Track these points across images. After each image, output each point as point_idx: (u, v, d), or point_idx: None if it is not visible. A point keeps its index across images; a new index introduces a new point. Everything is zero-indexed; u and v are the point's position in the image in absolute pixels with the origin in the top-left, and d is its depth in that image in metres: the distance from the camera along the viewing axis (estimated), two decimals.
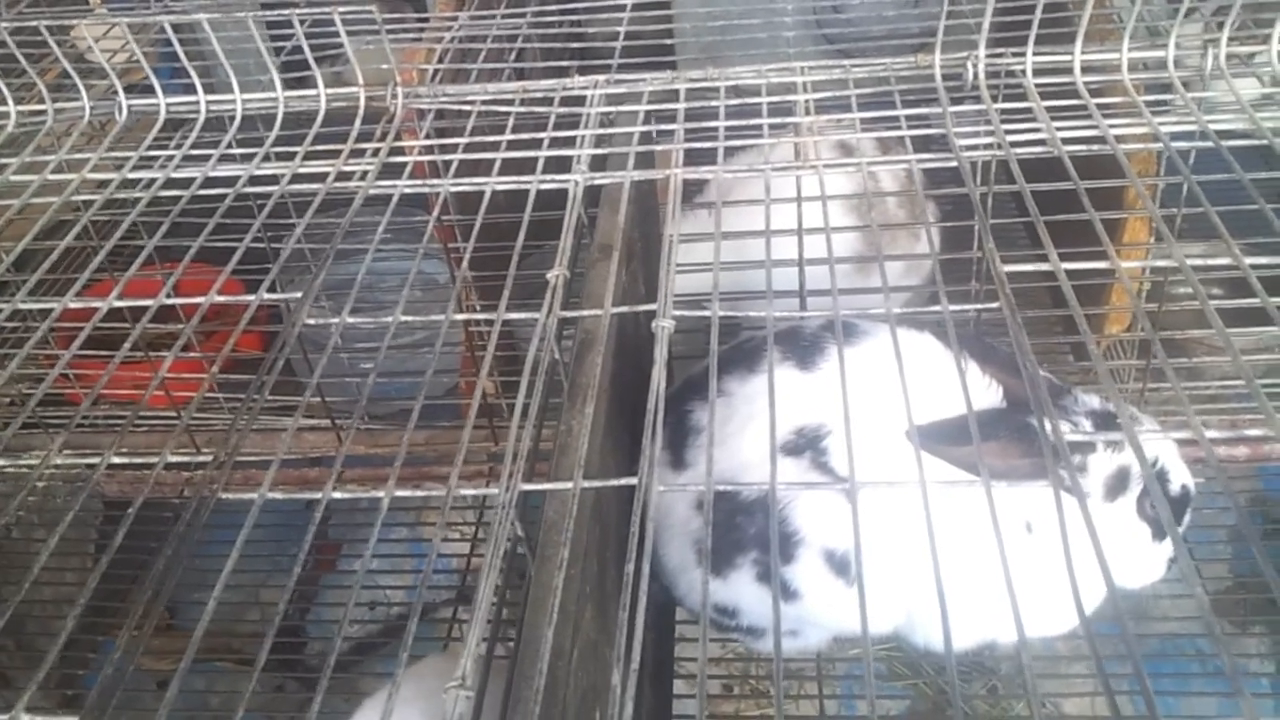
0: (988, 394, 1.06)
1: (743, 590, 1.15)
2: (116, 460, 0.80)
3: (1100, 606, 0.76)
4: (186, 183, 1.10)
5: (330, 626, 1.50)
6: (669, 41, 1.51)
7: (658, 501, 1.16)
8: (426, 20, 1.55)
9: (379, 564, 1.76)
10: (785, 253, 1.01)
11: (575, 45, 1.62)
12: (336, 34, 1.17)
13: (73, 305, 0.96)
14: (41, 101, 1.24)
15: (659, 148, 1.08)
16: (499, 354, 1.51)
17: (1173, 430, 1.08)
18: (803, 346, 1.12)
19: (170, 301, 0.94)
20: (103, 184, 1.12)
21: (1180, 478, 1.10)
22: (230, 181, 1.09)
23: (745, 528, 1.11)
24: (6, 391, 1.53)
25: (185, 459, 1.38)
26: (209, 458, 0.80)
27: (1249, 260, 0.84)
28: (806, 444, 1.07)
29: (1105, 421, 1.07)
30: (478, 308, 1.40)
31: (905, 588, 1.08)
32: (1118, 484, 1.06)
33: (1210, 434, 0.71)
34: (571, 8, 1.57)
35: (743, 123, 1.11)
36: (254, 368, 0.92)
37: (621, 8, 1.49)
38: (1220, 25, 1.13)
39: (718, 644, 1.61)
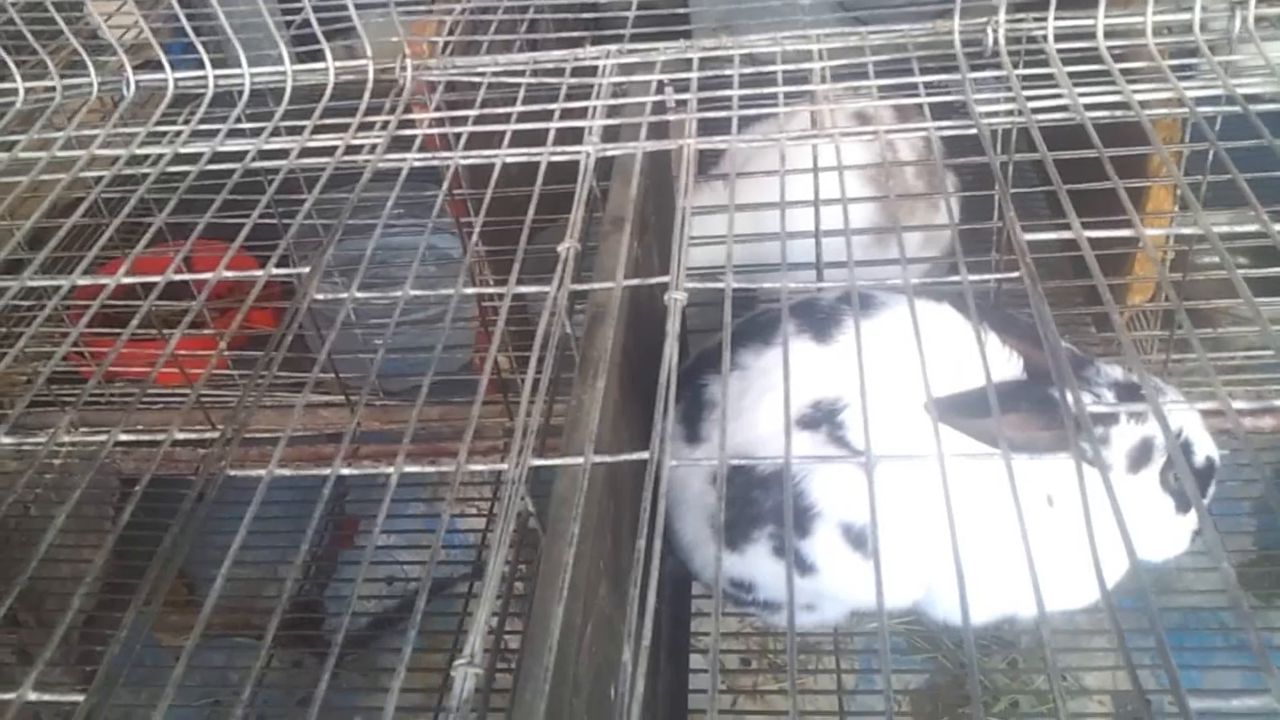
0: (1008, 365, 1.05)
1: (759, 564, 1.14)
2: (127, 437, 0.79)
3: (1123, 580, 0.74)
4: (195, 158, 1.09)
5: (348, 602, 1.51)
6: (683, 10, 1.49)
7: (672, 476, 1.16)
8: None
9: (396, 539, 1.76)
10: (803, 224, 0.99)
11: (588, 16, 1.60)
12: (347, 7, 1.15)
13: (82, 282, 0.96)
14: (51, 78, 1.23)
15: (672, 118, 1.06)
16: (513, 329, 1.51)
17: (1197, 401, 1.06)
18: (819, 319, 1.10)
19: (178, 278, 0.94)
20: (113, 160, 1.12)
21: (1205, 449, 1.08)
22: (239, 156, 1.08)
23: (761, 501, 1.10)
24: (22, 370, 1.53)
25: (199, 435, 1.38)
26: (221, 433, 0.79)
27: (1278, 227, 0.82)
28: (823, 417, 1.06)
29: (1128, 393, 1.06)
30: (491, 282, 1.39)
31: (924, 561, 1.07)
32: (1141, 456, 1.04)
33: (1236, 404, 0.70)
34: None
35: (757, 92, 1.09)
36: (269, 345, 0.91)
37: None
38: None
39: (735, 618, 1.60)
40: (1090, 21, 1.11)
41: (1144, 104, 1.00)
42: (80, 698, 0.61)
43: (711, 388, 1.15)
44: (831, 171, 0.99)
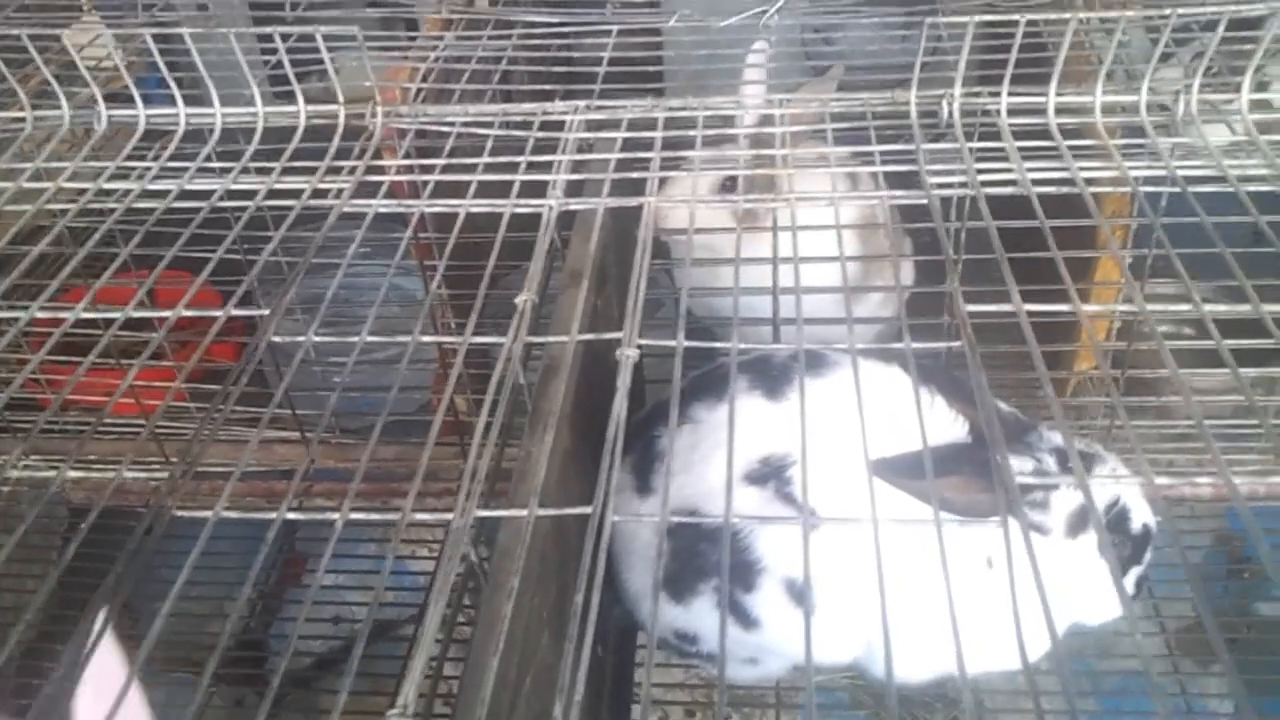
0: (954, 428, 1.07)
1: (704, 617, 1.15)
2: (74, 474, 0.79)
3: (1066, 641, 0.76)
4: (163, 194, 1.10)
5: (294, 641, 1.50)
6: (657, 68, 1.52)
7: (621, 527, 1.17)
8: (414, 39, 1.56)
9: (345, 579, 1.75)
10: (786, 281, 1.01)
11: (561, 70, 1.63)
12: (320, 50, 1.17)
13: (40, 315, 0.96)
14: (21, 109, 1.24)
15: (635, 174, 1.09)
16: (474, 372, 1.52)
17: (1130, 472, 1.09)
18: (772, 376, 1.13)
19: (138, 314, 0.94)
20: (80, 192, 1.12)
21: (1141, 516, 1.10)
22: (206, 195, 1.10)
23: (708, 554, 1.11)
24: None
25: (151, 470, 1.37)
26: (173, 468, 0.79)
27: (1214, 307, 0.85)
28: (771, 473, 1.08)
29: (1069, 459, 1.08)
30: (453, 325, 1.40)
31: (864, 619, 1.08)
32: (1080, 521, 1.06)
33: (1164, 479, 0.72)
34: (560, 30, 1.58)
35: (717, 153, 1.11)
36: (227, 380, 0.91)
37: (608, 33, 1.50)
38: (1194, 72, 1.14)
39: (682, 669, 1.60)
40: (1042, 98, 1.15)
41: (1091, 180, 1.04)
42: None
43: (664, 439, 1.17)
44: (803, 230, 1.02)
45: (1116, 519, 1.08)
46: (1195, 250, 0.94)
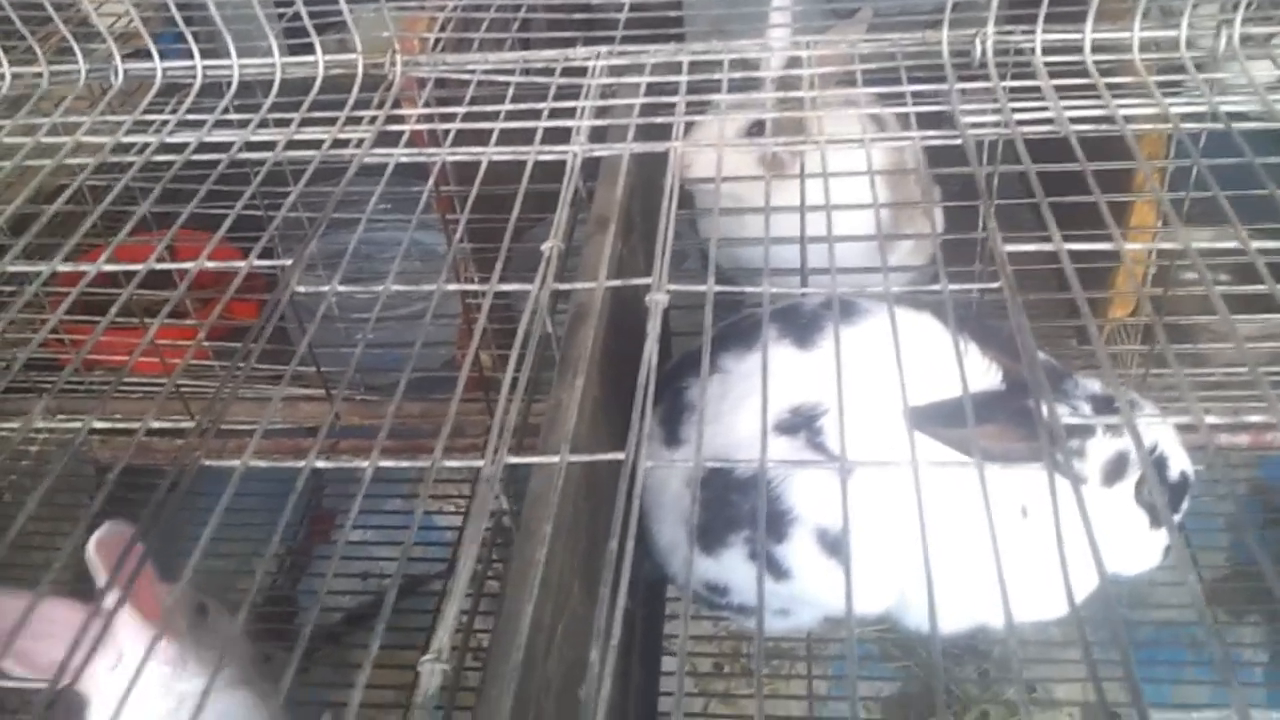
0: (987, 376, 1.05)
1: (734, 568, 1.14)
2: (101, 425, 0.79)
3: (1094, 592, 0.75)
4: (181, 147, 1.09)
5: (323, 597, 1.50)
6: (677, 13, 1.49)
7: (650, 478, 1.16)
8: None
9: (372, 535, 1.76)
10: (813, 229, 0.99)
11: (581, 16, 1.60)
12: (338, 1, 1.15)
13: (62, 269, 0.95)
14: (38, 64, 1.23)
15: (660, 119, 1.06)
16: (497, 327, 1.51)
17: (1173, 416, 1.07)
18: (801, 325, 1.11)
19: (159, 267, 0.93)
20: (98, 148, 1.11)
21: (1179, 464, 1.09)
22: (225, 147, 1.08)
23: (739, 505, 1.10)
24: (0, 356, 1.52)
25: (176, 425, 1.37)
26: (197, 424, 0.79)
27: (1257, 245, 0.82)
28: (802, 423, 1.06)
29: (1106, 407, 1.06)
30: (475, 279, 1.39)
31: (898, 569, 1.07)
32: (1116, 469, 1.05)
33: (1211, 420, 0.70)
34: None
35: (744, 97, 1.09)
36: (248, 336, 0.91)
37: None
38: (1235, 5, 1.10)
39: (710, 622, 1.60)
40: (1078, 35, 1.11)
41: (1129, 119, 1.01)
42: (44, 684, 0.61)
43: (692, 391, 1.15)
44: (831, 177, 1.00)
45: (1155, 466, 1.06)
46: (1239, 192, 0.91)
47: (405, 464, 0.73)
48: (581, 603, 0.84)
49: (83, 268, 0.96)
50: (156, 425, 1.23)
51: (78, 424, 0.80)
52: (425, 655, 0.59)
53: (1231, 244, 0.83)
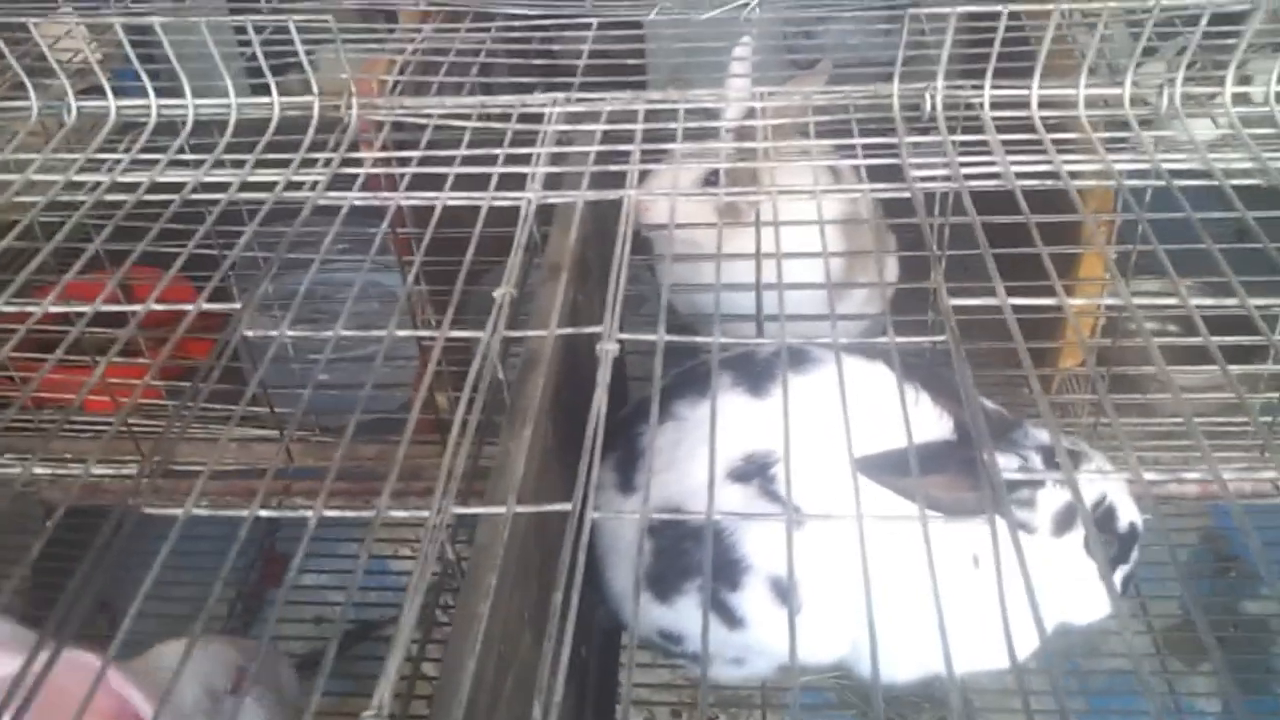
0: (939, 425, 1.06)
1: (689, 616, 1.14)
2: (42, 470, 0.77)
3: (1053, 640, 0.75)
4: (134, 186, 1.08)
5: (274, 642, 1.47)
6: (637, 61, 1.51)
7: (605, 525, 1.15)
8: (392, 31, 1.54)
9: (327, 579, 1.73)
10: (769, 277, 1.00)
11: (541, 63, 1.62)
12: (302, 41, 1.15)
13: (6, 309, 0.94)
14: None
15: (615, 167, 1.07)
16: (455, 370, 1.50)
17: (1116, 469, 1.08)
18: (755, 372, 1.11)
19: (108, 308, 0.92)
20: (50, 185, 1.10)
21: (1128, 515, 1.09)
22: (178, 187, 1.08)
23: (692, 553, 1.10)
24: None
25: (122, 468, 1.35)
26: (144, 464, 0.77)
27: (1201, 301, 0.84)
28: (755, 470, 1.06)
29: (1055, 457, 1.07)
30: (433, 322, 1.38)
31: (851, 617, 1.07)
32: (1066, 519, 1.05)
33: (1152, 475, 0.71)
34: (540, 23, 1.57)
35: (699, 146, 1.10)
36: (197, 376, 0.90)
37: (588, 26, 1.49)
38: (1178, 65, 1.13)
39: (668, 669, 1.59)
40: (1025, 91, 1.14)
41: (1075, 174, 1.03)
42: None
43: (647, 437, 1.15)
44: (794, 225, 1.01)
45: (1104, 517, 1.07)
46: (1180, 246, 0.93)
47: (350, 514, 0.72)
48: (532, 652, 0.84)
49: (30, 307, 0.95)
50: (106, 466, 1.20)
51: (20, 464, 0.78)
52: (367, 710, 0.58)
53: (1171, 301, 0.84)
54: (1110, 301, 0.84)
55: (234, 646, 1.18)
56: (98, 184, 1.09)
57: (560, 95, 1.20)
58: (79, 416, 1.59)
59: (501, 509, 0.71)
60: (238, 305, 0.92)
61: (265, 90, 1.22)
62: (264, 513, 0.72)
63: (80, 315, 0.92)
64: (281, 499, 1.45)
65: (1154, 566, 1.57)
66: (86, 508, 1.51)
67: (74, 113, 1.20)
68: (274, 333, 0.87)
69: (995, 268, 0.83)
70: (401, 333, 0.87)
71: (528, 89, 1.25)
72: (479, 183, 1.06)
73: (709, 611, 0.71)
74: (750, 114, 1.24)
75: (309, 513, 0.72)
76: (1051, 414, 0.73)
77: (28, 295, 0.97)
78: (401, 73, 1.29)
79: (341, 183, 1.08)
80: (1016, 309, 0.81)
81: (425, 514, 0.70)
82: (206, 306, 0.91)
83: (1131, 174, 1.04)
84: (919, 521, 0.70)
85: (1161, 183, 1.00)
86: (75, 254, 1.05)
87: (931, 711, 1.64)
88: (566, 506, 0.68)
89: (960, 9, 1.09)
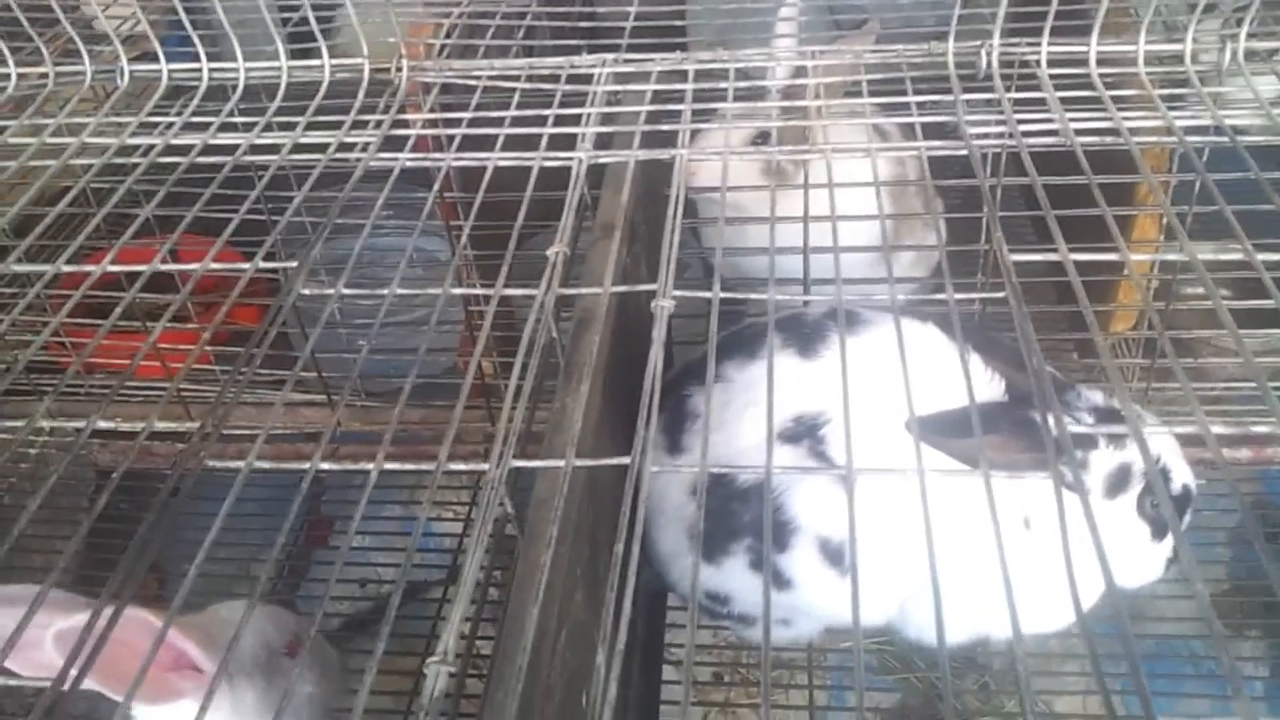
0: (990, 387, 1.05)
1: (736, 578, 1.14)
2: (103, 426, 0.79)
3: (1096, 605, 0.75)
4: (186, 150, 1.09)
5: (320, 603, 1.49)
6: (680, 23, 1.49)
7: (651, 487, 1.16)
8: None
9: (371, 541, 1.75)
10: (816, 239, 0.99)
11: (586, 25, 1.61)
12: (345, 5, 1.15)
13: (66, 270, 0.95)
14: (44, 65, 1.23)
15: (665, 127, 1.06)
16: (499, 334, 1.51)
17: (1176, 428, 1.07)
18: (804, 334, 1.11)
19: (163, 268, 0.93)
20: (103, 149, 1.11)
21: (1182, 477, 1.09)
22: (229, 150, 1.08)
23: (740, 514, 1.10)
24: (2, 357, 1.52)
25: (178, 429, 1.36)
26: (198, 428, 0.78)
27: (1262, 258, 0.82)
28: (805, 432, 1.06)
29: (1108, 418, 1.06)
30: (478, 286, 1.39)
31: (899, 579, 1.07)
32: (1119, 482, 1.05)
33: (1215, 430, 0.70)
34: None
35: (750, 105, 1.09)
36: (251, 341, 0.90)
37: None
38: (1239, 21, 1.11)
39: (709, 631, 1.60)
40: (1083, 48, 1.12)
41: (1133, 132, 1.01)
42: (46, 684, 0.60)
43: (695, 399, 1.15)
44: (837, 187, 1.00)
45: (1160, 478, 1.06)
46: (1244, 206, 0.91)
47: (410, 467, 0.72)
48: (584, 610, 0.84)
49: (86, 270, 0.96)
50: (158, 429, 1.22)
51: (78, 427, 0.79)
52: (431, 657, 0.59)
53: (1235, 256, 0.83)
54: (1173, 258, 0.82)
55: (289, 614, 1.20)
56: (150, 147, 1.10)
57: (609, 56, 1.19)
58: (128, 381, 1.62)
59: (560, 462, 0.71)
60: (293, 264, 0.93)
61: (311, 54, 1.22)
62: (325, 465, 0.73)
63: (131, 280, 0.93)
64: (330, 459, 1.47)
65: (1202, 532, 1.56)
66: (136, 471, 1.54)
67: (126, 77, 1.21)
68: (330, 291, 0.87)
69: (1056, 226, 0.82)
70: (457, 290, 0.87)
71: (572, 51, 1.24)
72: (529, 144, 1.06)
73: (768, 571, 0.71)
74: (799, 74, 1.22)
75: (369, 465, 0.72)
76: (1117, 371, 0.72)
77: (78, 261, 0.98)
78: (449, 35, 1.29)
79: (391, 145, 1.08)
80: (1077, 266, 0.80)
81: (485, 467, 0.70)
82: (262, 266, 0.92)
83: (1192, 131, 1.02)
84: (980, 478, 0.70)
85: (1225, 139, 0.98)
86: (125, 220, 1.06)
87: (974, 676, 1.64)
88: (626, 460, 0.69)
89: None
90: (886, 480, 0.94)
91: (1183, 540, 0.64)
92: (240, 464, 0.71)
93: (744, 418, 1.09)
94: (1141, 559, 1.09)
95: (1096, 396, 1.09)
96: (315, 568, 1.84)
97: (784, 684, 1.62)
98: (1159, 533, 1.06)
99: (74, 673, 0.62)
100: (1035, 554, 0.92)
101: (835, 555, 1.08)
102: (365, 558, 1.75)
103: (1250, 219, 0.91)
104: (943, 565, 0.82)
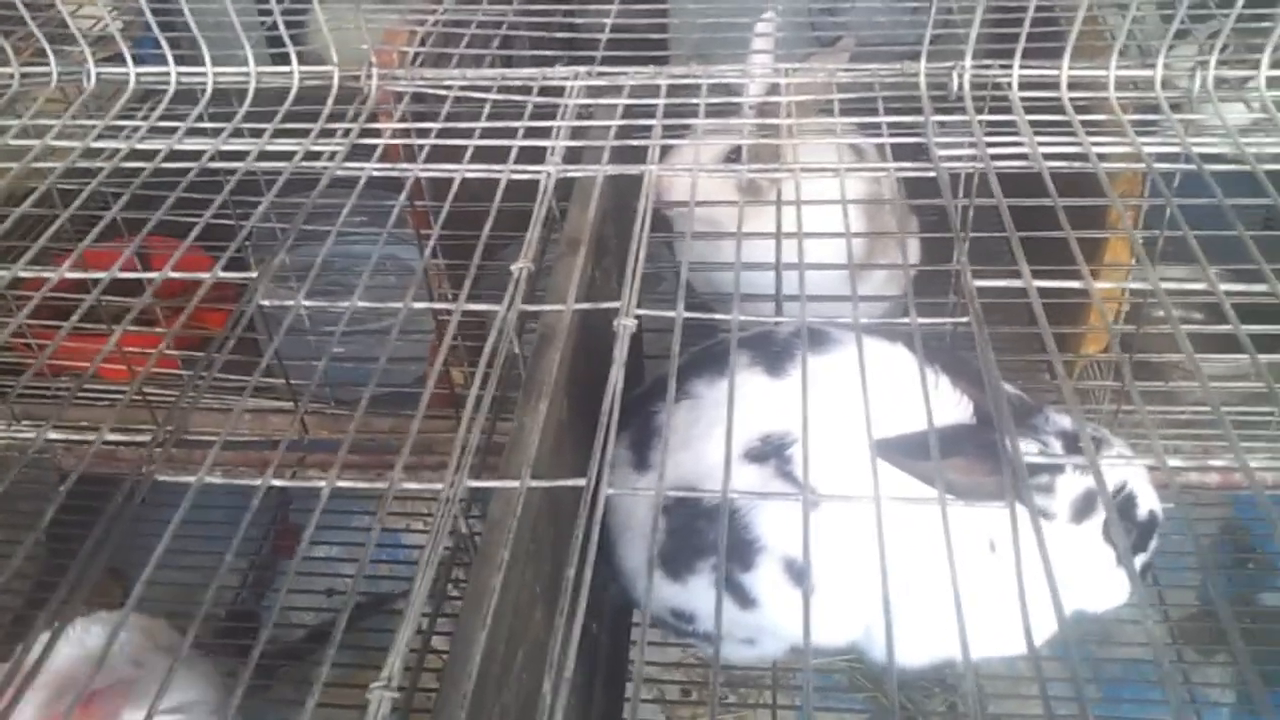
0: (958, 409, 1.05)
1: (701, 596, 1.13)
2: (57, 435, 0.77)
3: (1061, 629, 0.74)
4: (152, 154, 1.08)
5: (286, 613, 1.48)
6: (660, 36, 1.49)
7: (618, 503, 1.15)
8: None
9: (338, 551, 1.74)
10: (789, 256, 0.99)
11: (564, 36, 1.60)
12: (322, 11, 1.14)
13: (24, 275, 0.94)
14: (9, 65, 1.22)
15: (636, 142, 1.06)
16: (470, 344, 1.50)
17: (1143, 455, 1.07)
18: (773, 352, 1.10)
19: (124, 275, 0.92)
20: (68, 152, 1.10)
21: (1148, 503, 1.08)
22: (196, 155, 1.07)
23: (705, 533, 1.09)
24: None
25: (136, 435, 1.35)
26: (158, 432, 0.77)
27: (1230, 286, 0.82)
28: (772, 451, 1.05)
29: (1076, 443, 1.06)
30: (449, 296, 1.38)
31: (863, 601, 1.06)
32: (1085, 506, 1.04)
33: (1175, 462, 0.70)
34: None
35: (721, 122, 1.09)
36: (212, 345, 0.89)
37: None
38: (1211, 48, 1.11)
39: (678, 648, 1.59)
40: (1055, 72, 1.12)
41: (1103, 157, 1.01)
42: None
43: (662, 415, 1.14)
44: (815, 205, 0.99)
45: (1123, 505, 1.06)
46: (1209, 232, 0.91)
47: (363, 485, 0.71)
48: (544, 628, 0.83)
49: (47, 272, 0.94)
50: (121, 434, 1.21)
51: (39, 429, 0.78)
52: (376, 682, 0.58)
53: (1201, 285, 0.83)
54: (1136, 285, 0.82)
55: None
56: (116, 151, 1.09)
57: (582, 69, 1.18)
58: (94, 384, 1.60)
59: (515, 483, 0.70)
60: (254, 274, 0.92)
61: (284, 60, 1.21)
62: (277, 482, 0.72)
63: (97, 283, 0.92)
64: (295, 470, 1.45)
65: (1171, 556, 1.56)
66: (101, 475, 1.52)
67: (94, 79, 1.20)
68: (290, 302, 0.86)
69: (1020, 250, 0.82)
70: (418, 304, 0.87)
71: (549, 62, 1.24)
72: (498, 155, 1.05)
73: (720, 591, 0.70)
74: (773, 91, 1.22)
75: (322, 483, 0.71)
76: (1075, 398, 0.72)
77: (45, 262, 0.97)
78: (422, 44, 1.28)
79: (360, 153, 1.08)
80: (1040, 292, 0.80)
81: (439, 486, 0.69)
82: (223, 275, 0.91)
83: (1161, 157, 1.02)
84: (938, 505, 0.69)
85: (1192, 166, 0.98)
86: (92, 222, 1.05)
87: (943, 696, 1.63)
88: (581, 482, 0.68)
89: None
90: (849, 502, 0.93)
91: (1134, 575, 0.63)
92: (191, 479, 0.70)
93: (712, 436, 1.08)
94: (1108, 583, 1.08)
95: (1064, 420, 1.09)
96: (281, 577, 1.83)
97: (751, 703, 1.62)
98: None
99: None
100: (1000, 577, 0.92)
101: (800, 575, 1.07)
102: (332, 568, 1.73)
103: (1223, 243, 0.91)
104: (907, 587, 0.82)
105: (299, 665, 1.64)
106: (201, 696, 1.13)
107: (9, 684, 0.63)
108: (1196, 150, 1.01)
